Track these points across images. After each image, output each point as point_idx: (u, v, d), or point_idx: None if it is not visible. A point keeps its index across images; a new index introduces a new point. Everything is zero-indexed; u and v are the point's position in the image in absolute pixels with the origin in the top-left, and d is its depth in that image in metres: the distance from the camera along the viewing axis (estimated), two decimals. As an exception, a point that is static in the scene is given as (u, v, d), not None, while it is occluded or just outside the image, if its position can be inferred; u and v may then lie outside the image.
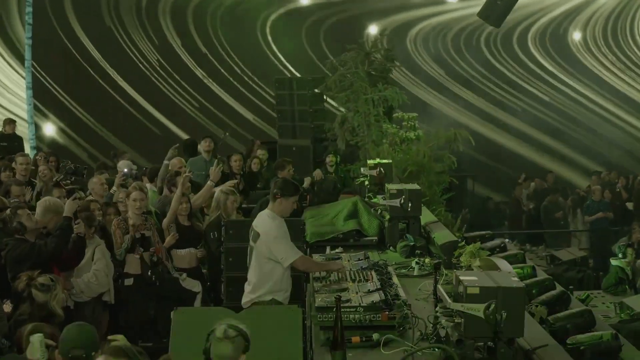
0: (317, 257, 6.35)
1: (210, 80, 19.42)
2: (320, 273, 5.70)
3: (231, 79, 19.48)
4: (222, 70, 19.49)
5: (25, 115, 17.41)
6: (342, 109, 12.85)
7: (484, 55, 20.93)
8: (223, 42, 19.65)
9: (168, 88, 19.33)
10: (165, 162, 9.90)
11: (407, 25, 20.63)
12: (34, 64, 17.38)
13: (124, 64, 19.12)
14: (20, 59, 17.63)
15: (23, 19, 17.39)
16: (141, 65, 19.39)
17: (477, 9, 9.00)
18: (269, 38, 19.92)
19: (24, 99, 17.47)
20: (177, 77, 19.35)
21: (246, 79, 19.51)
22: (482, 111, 20.38)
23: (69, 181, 9.30)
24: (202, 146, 11.15)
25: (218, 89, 19.47)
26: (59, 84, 18.64)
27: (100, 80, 18.79)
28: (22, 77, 17.59)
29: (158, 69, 19.41)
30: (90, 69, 18.78)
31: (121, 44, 19.30)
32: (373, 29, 19.77)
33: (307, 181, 10.66)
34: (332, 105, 13.91)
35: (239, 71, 19.49)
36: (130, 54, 19.36)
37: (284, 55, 19.89)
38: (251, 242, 5.95)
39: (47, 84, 18.25)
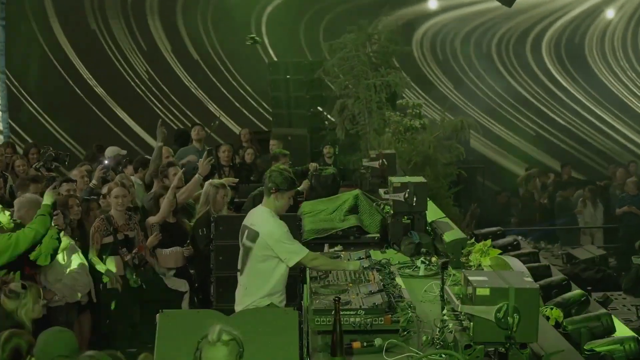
0: None
1: (202, 93, 19.22)
2: (317, 273, 5.68)
3: (223, 89, 19.29)
4: (215, 80, 19.27)
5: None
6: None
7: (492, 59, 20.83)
8: (215, 43, 19.42)
9: (155, 101, 19.05)
10: (159, 143, 9.48)
11: (412, 25, 20.39)
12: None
13: (109, 74, 18.78)
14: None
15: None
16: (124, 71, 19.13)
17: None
18: (266, 40, 19.73)
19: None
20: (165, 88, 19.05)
21: (241, 91, 19.32)
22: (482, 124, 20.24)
23: (53, 173, 9.27)
24: (193, 135, 11.15)
25: (210, 103, 19.28)
26: (26, 87, 18.25)
27: (77, 89, 18.42)
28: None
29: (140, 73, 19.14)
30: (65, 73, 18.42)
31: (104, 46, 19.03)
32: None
33: (305, 184, 10.61)
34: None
35: (231, 79, 19.28)
36: (114, 58, 19.12)
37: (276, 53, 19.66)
38: (246, 242, 5.76)
39: (10, 84, 17.85)
